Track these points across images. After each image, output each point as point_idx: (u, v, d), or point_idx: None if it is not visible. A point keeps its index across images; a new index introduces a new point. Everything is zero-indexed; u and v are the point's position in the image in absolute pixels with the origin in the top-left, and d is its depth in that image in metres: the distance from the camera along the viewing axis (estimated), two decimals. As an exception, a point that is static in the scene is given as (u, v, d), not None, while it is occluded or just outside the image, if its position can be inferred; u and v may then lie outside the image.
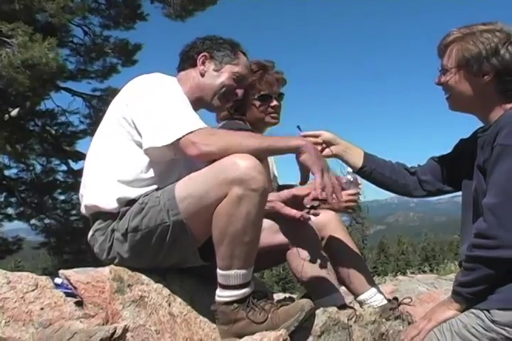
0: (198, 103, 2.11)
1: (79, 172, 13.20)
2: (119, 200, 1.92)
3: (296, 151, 1.81)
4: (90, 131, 13.10)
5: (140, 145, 1.92)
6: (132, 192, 1.92)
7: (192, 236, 1.85)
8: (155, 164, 1.94)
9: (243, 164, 1.70)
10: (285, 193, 2.20)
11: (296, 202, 2.19)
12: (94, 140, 2.09)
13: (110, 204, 1.93)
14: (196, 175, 1.82)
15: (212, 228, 1.76)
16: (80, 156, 12.96)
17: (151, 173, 1.94)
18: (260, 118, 2.57)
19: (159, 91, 1.92)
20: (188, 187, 1.80)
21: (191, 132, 1.79)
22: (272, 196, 2.16)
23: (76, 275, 1.94)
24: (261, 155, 1.80)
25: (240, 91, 2.18)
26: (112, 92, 12.30)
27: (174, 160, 1.96)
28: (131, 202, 1.92)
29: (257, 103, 2.55)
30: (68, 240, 13.10)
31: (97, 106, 12.92)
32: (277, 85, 2.61)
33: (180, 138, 1.78)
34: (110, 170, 1.95)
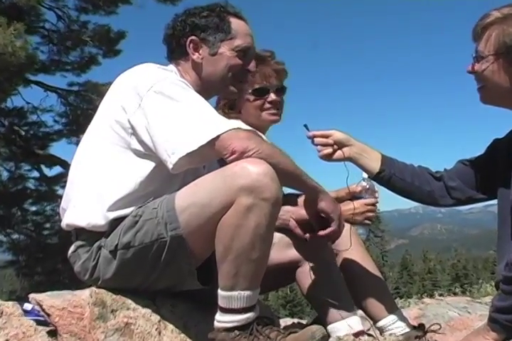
0: (206, 95, 2.07)
1: (53, 180, 13.26)
2: (109, 219, 1.91)
3: (314, 193, 1.95)
4: (67, 131, 13.11)
5: (139, 154, 1.91)
6: (126, 209, 1.91)
7: (191, 255, 1.85)
8: (155, 176, 1.93)
9: (254, 170, 1.70)
10: (302, 212, 2.14)
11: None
12: (82, 145, 2.08)
13: (99, 223, 1.92)
14: (200, 181, 1.82)
15: (215, 242, 1.76)
16: (55, 161, 12.95)
17: (149, 186, 1.93)
18: (256, 116, 2.58)
19: (167, 90, 1.87)
20: (190, 196, 1.80)
21: (236, 128, 1.79)
22: (288, 211, 2.16)
23: (49, 299, 1.94)
24: (288, 179, 1.86)
25: (251, 66, 2.16)
26: (92, 87, 12.30)
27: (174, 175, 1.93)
28: (123, 218, 1.90)
29: (251, 97, 2.55)
30: (40, 258, 13.03)
31: (74, 104, 12.91)
32: (276, 77, 2.60)
33: (225, 132, 1.76)
34: (100, 183, 1.94)
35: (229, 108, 2.57)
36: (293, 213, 2.18)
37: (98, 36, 12.77)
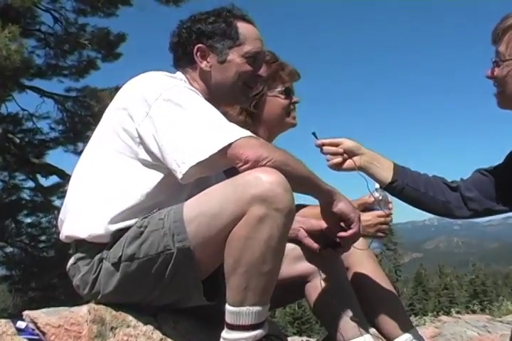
0: (216, 103, 2.07)
1: (49, 190, 13.28)
2: (112, 230, 1.90)
3: (330, 195, 1.94)
4: (63, 139, 13.11)
5: (147, 164, 1.91)
6: (130, 220, 1.91)
7: (198, 268, 1.85)
8: (162, 187, 1.93)
9: (267, 179, 1.70)
10: (313, 222, 2.17)
11: (323, 234, 2.16)
12: (84, 154, 2.08)
13: (101, 234, 1.91)
14: (210, 190, 1.82)
15: (225, 254, 1.76)
16: (51, 170, 12.97)
17: (155, 197, 1.93)
18: (281, 116, 2.59)
19: (176, 98, 1.88)
20: (199, 206, 1.81)
21: (249, 136, 1.80)
22: (298, 221, 2.14)
23: (45, 316, 1.92)
24: (303, 185, 1.86)
25: (262, 71, 2.16)
26: (90, 93, 12.33)
27: (182, 186, 1.92)
28: (127, 230, 1.90)
29: (282, 96, 2.57)
30: (35, 273, 13.00)
31: (72, 110, 12.91)
32: (294, 79, 2.65)
33: (236, 140, 1.77)
34: (104, 193, 1.94)
35: (254, 106, 2.54)
36: (303, 223, 2.18)
37: (97, 39, 12.80)
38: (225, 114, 2.58)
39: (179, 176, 1.80)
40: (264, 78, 2.23)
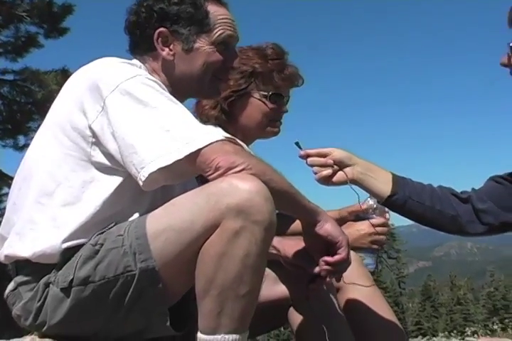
0: (179, 97, 2.06)
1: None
2: (62, 248, 1.89)
3: (314, 215, 1.96)
4: (0, 132, 12.99)
5: (101, 167, 1.91)
6: (84, 235, 1.90)
7: (164, 292, 1.84)
8: (121, 193, 1.93)
9: (245, 187, 1.71)
10: (288, 252, 2.17)
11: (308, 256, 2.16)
12: (27, 158, 2.07)
13: (48, 252, 1.89)
14: (179, 200, 1.82)
15: (195, 274, 1.76)
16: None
17: (113, 206, 1.92)
18: (259, 125, 2.62)
19: (136, 91, 1.87)
20: (165, 218, 1.81)
21: (221, 140, 1.81)
22: (275, 247, 2.17)
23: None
24: (282, 200, 1.86)
25: (235, 61, 2.18)
26: (31, 75, 12.18)
27: (143, 192, 1.92)
28: (79, 247, 1.89)
29: (268, 102, 2.59)
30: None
31: (9, 96, 12.76)
32: (291, 84, 2.68)
33: (207, 146, 1.77)
34: (52, 204, 1.93)
35: (229, 105, 2.58)
36: (279, 249, 2.19)
37: (37, 11, 12.63)
38: (197, 106, 2.61)
39: (140, 183, 1.81)
40: (241, 72, 2.24)
